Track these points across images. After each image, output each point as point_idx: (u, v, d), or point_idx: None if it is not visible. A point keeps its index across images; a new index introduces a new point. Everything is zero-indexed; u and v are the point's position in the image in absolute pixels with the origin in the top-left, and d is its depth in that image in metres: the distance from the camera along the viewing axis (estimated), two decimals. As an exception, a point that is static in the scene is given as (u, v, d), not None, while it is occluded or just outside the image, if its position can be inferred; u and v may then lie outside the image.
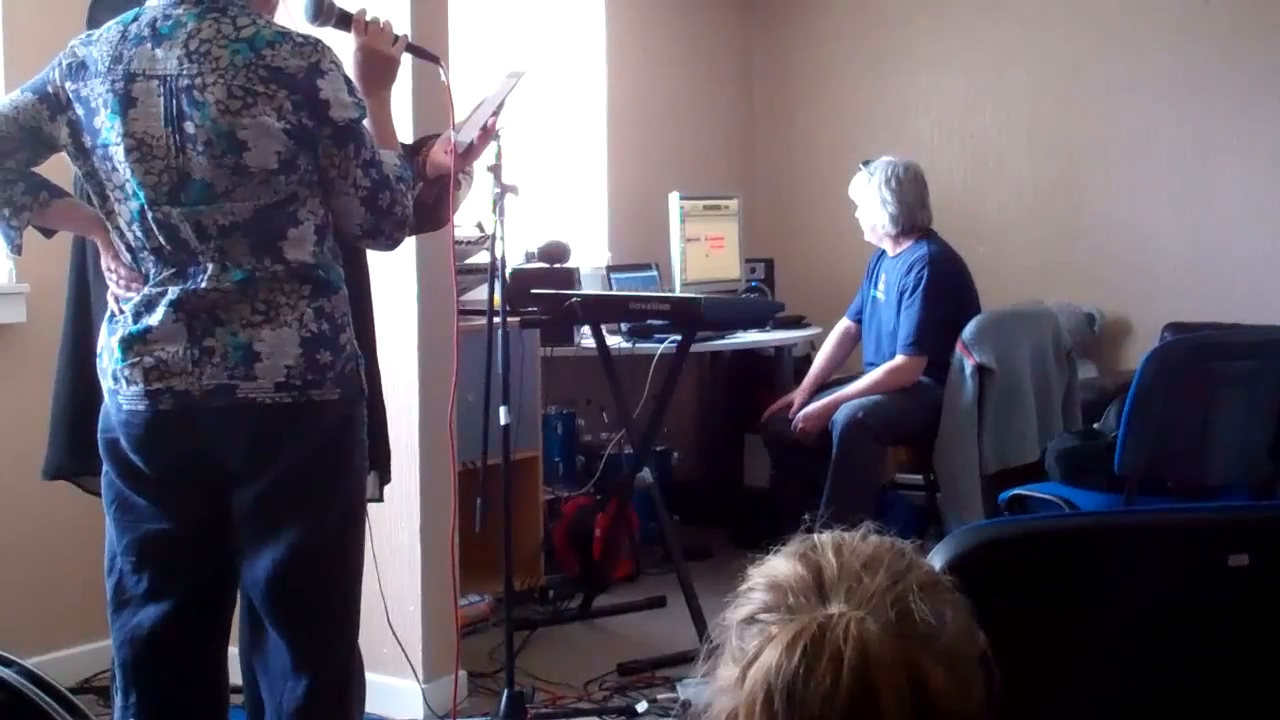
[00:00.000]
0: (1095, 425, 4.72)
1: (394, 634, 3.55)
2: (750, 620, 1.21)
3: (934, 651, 1.16)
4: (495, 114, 3.05)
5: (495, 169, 3.53)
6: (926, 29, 6.66)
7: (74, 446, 3.03)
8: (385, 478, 3.07)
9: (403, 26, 3.10)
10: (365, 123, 2.56)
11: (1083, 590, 1.66)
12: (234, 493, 2.53)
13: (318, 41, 2.50)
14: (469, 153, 2.98)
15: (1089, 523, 2.00)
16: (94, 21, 2.93)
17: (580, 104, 6.18)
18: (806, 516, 1.37)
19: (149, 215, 2.46)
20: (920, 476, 5.42)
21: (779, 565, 1.25)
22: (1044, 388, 4.94)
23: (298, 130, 2.45)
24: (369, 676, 2.81)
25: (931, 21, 6.65)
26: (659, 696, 4.04)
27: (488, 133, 3.04)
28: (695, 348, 4.93)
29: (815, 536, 1.27)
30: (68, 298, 3.08)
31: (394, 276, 3.74)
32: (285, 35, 2.47)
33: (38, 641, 3.84)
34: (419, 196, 2.88)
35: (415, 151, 3.00)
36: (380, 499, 3.06)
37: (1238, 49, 5.94)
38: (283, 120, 2.43)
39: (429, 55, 3.02)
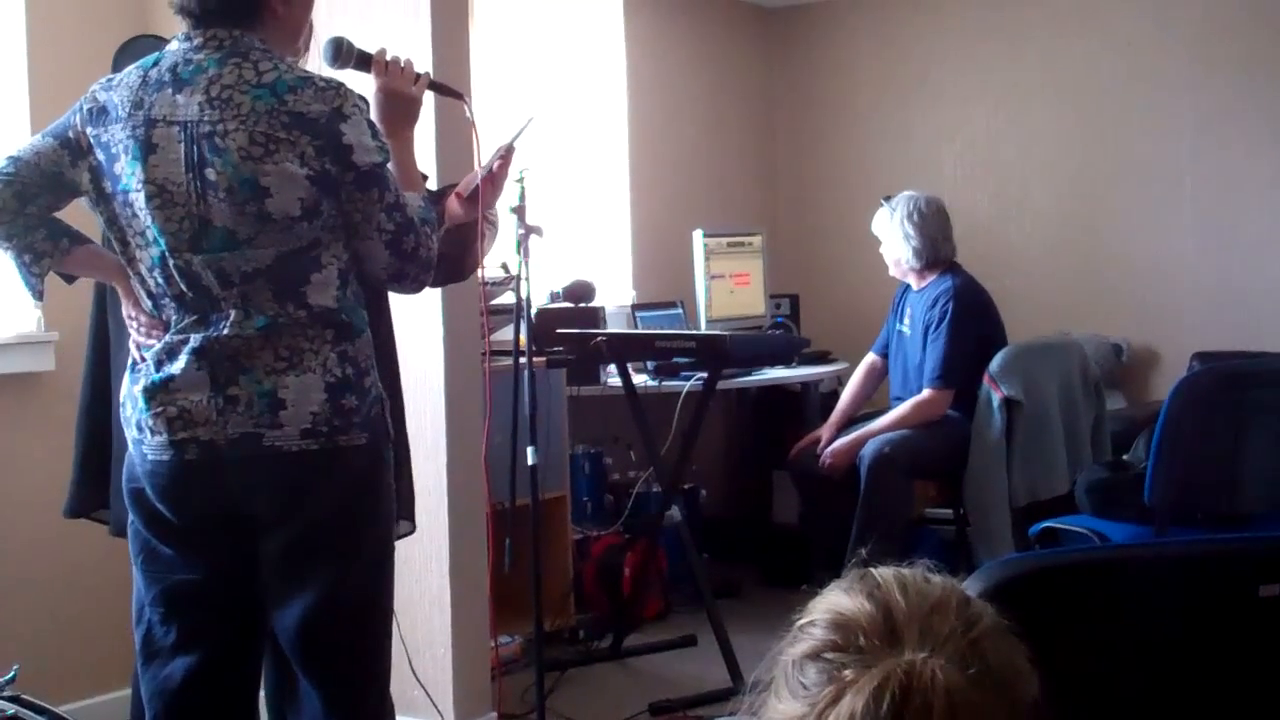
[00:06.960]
0: (1125, 456, 4.69)
1: (417, 678, 3.53)
2: (814, 656, 1.17)
3: (1010, 701, 1.15)
4: (504, 158, 2.96)
5: (519, 210, 3.53)
6: (949, 63, 6.68)
7: (89, 481, 3.08)
8: (408, 519, 2.99)
9: (424, 66, 3.09)
10: (389, 166, 2.53)
11: (1114, 623, 1.65)
12: (261, 541, 2.50)
13: (340, 85, 2.47)
14: (474, 198, 2.89)
15: (1119, 555, 1.99)
16: (119, 69, 2.96)
17: (602, 143, 6.20)
18: (863, 551, 1.31)
19: (170, 262, 2.43)
20: (950, 511, 5.39)
21: (843, 601, 1.20)
22: (1072, 420, 4.92)
23: (320, 176, 2.42)
24: (401, 720, 2.81)
25: (954, 56, 6.67)
26: (691, 736, 4.03)
27: (495, 176, 2.94)
28: (721, 385, 4.93)
29: (874, 571, 1.23)
30: (88, 342, 3.10)
31: (420, 319, 3.75)
32: (307, 80, 2.44)
33: (69, 688, 3.85)
34: (440, 249, 2.85)
35: (438, 199, 2.99)
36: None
37: (1261, 79, 5.93)
38: (305, 166, 2.40)
39: (452, 92, 2.98)
